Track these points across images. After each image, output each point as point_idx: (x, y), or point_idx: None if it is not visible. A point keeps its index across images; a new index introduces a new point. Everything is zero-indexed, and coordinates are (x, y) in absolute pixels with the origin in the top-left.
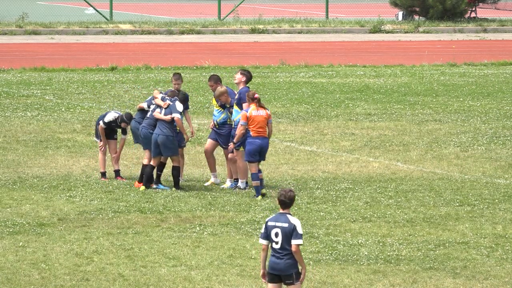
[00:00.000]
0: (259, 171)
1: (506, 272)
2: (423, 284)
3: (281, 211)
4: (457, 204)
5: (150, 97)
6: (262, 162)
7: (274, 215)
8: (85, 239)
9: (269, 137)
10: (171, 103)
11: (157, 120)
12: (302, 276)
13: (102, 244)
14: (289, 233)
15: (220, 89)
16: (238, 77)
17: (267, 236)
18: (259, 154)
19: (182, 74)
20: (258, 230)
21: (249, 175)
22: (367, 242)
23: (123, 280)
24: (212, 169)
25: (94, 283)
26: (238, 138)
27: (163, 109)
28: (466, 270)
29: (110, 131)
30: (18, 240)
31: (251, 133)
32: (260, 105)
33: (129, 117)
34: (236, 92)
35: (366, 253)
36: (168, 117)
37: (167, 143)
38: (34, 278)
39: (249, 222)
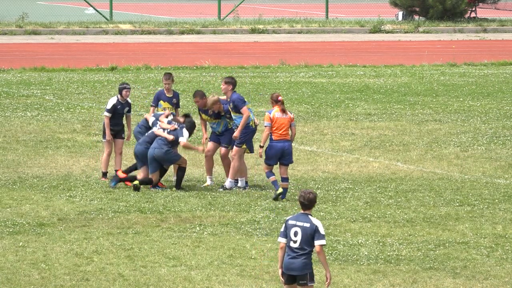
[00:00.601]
0: (287, 179)
1: (506, 272)
2: (423, 284)
3: (301, 211)
4: (457, 204)
5: (157, 113)
6: (282, 166)
7: (294, 214)
8: (85, 239)
9: (292, 140)
10: (177, 128)
11: (155, 136)
12: (328, 279)
13: (102, 244)
14: (311, 234)
15: (212, 98)
16: (224, 86)
17: (286, 234)
18: (280, 157)
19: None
20: (258, 230)
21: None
22: (367, 242)
23: (123, 280)
24: (209, 172)
25: (94, 283)
26: (265, 140)
27: (168, 130)
28: (466, 270)
29: (118, 130)
30: (18, 240)
31: (273, 136)
32: (283, 108)
33: (124, 82)
34: (227, 100)
35: (366, 253)
36: (171, 137)
37: (164, 156)
38: (34, 278)
39: (249, 222)
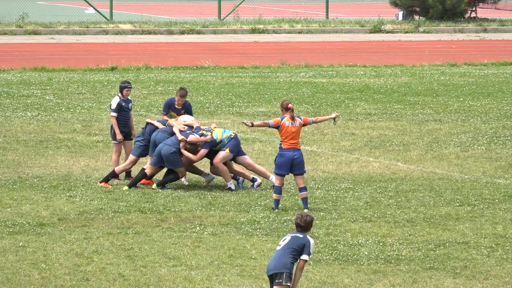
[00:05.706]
0: (304, 188)
1: (506, 272)
2: (423, 284)
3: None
4: (457, 204)
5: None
6: (291, 174)
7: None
8: (85, 239)
9: (321, 120)
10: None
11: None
12: None
13: (102, 244)
14: (299, 244)
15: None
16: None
17: None
18: (290, 167)
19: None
20: (258, 230)
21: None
22: (367, 242)
23: (123, 280)
24: (199, 172)
25: (94, 283)
26: (257, 124)
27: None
28: (466, 270)
29: (127, 132)
30: (18, 240)
31: (283, 145)
32: (292, 116)
33: (126, 81)
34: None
35: (366, 253)
36: (182, 137)
37: (168, 156)
38: (34, 278)
39: (249, 222)
